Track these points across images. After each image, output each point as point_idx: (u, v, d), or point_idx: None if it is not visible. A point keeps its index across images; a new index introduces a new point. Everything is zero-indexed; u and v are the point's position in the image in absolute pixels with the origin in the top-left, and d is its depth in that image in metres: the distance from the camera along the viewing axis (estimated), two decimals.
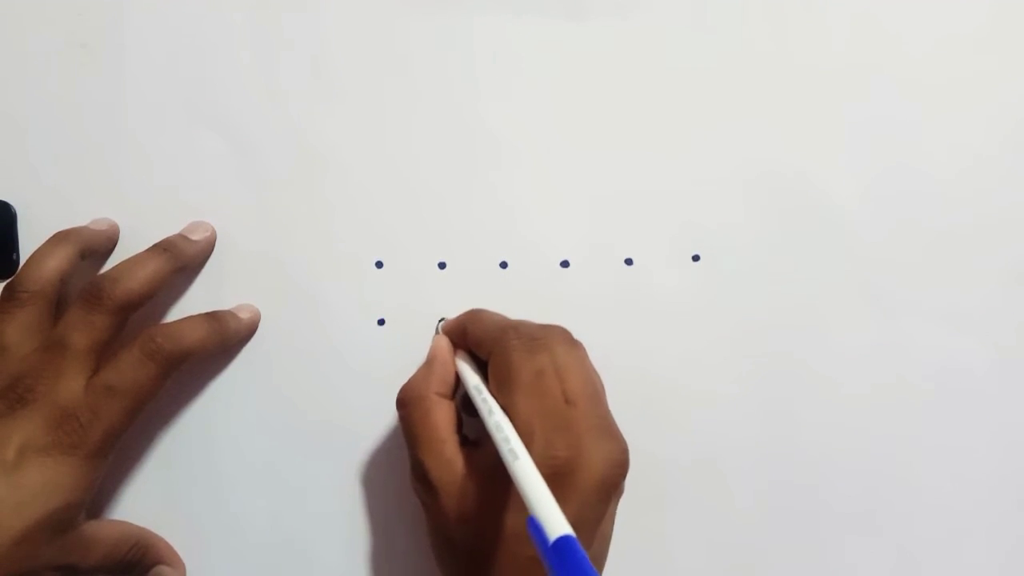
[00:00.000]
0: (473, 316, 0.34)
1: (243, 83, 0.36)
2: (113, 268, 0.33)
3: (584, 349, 0.32)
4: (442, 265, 0.36)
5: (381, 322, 0.36)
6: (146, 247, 0.34)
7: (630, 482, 0.38)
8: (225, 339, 0.35)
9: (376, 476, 0.37)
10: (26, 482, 0.30)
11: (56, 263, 0.33)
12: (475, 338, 0.32)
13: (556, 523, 0.23)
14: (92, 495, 0.32)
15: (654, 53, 0.36)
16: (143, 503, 0.36)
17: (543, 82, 0.36)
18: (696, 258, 0.36)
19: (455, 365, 0.33)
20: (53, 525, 0.30)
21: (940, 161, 0.36)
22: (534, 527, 0.23)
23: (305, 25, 0.36)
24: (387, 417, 0.36)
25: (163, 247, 0.34)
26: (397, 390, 0.36)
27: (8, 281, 0.33)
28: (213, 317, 0.35)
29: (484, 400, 0.30)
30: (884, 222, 0.36)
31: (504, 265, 0.36)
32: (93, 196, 0.36)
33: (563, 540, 0.23)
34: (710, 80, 0.36)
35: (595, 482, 0.28)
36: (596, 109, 0.36)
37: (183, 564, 0.36)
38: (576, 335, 0.36)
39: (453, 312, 0.36)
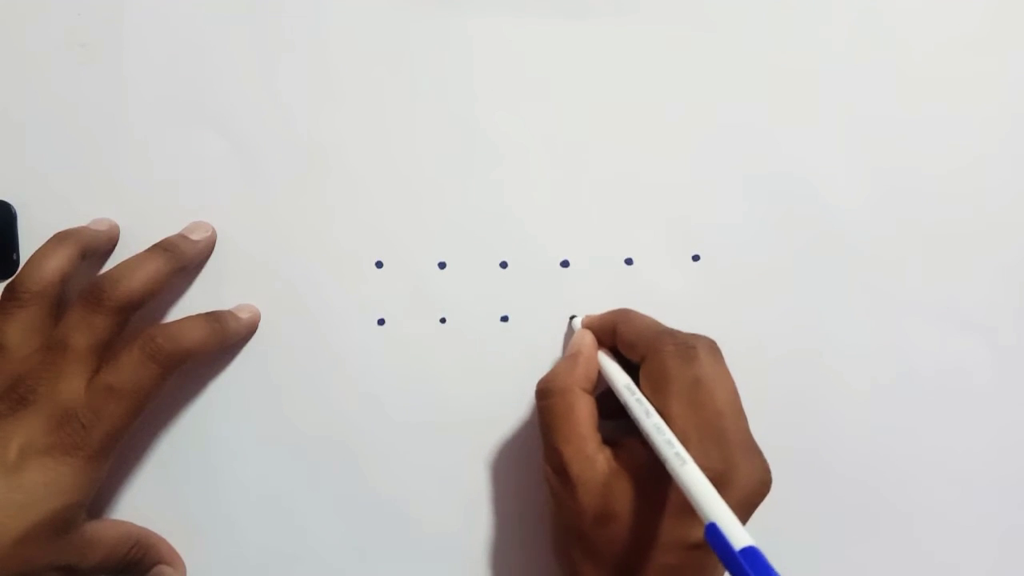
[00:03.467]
0: (625, 316, 0.34)
1: (243, 83, 0.36)
2: (113, 268, 0.33)
3: (726, 363, 0.32)
4: (442, 265, 0.36)
5: (381, 322, 0.36)
6: (146, 247, 0.34)
7: None
8: (225, 339, 0.35)
9: (375, 474, 0.37)
10: (27, 483, 0.30)
11: (57, 263, 0.33)
12: (627, 339, 0.32)
13: (740, 533, 0.23)
14: (93, 495, 0.32)
15: (654, 53, 0.36)
16: (143, 503, 0.36)
17: (543, 82, 0.36)
18: (696, 258, 0.36)
19: (598, 362, 0.33)
20: (54, 526, 0.30)
21: (940, 160, 0.36)
22: (715, 534, 0.23)
23: (305, 25, 0.36)
24: (386, 416, 0.36)
25: (163, 247, 0.34)
26: (396, 390, 0.36)
27: (9, 281, 0.33)
28: (213, 317, 0.35)
29: (639, 401, 0.30)
30: (884, 221, 0.36)
31: (504, 265, 0.36)
32: (93, 196, 0.36)
33: (750, 551, 0.23)
34: (710, 79, 0.36)
35: (743, 499, 0.28)
36: (596, 109, 0.36)
37: (183, 564, 0.36)
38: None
39: (454, 313, 0.36)
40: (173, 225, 0.36)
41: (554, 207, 0.36)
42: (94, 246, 0.35)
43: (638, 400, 0.30)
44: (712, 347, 0.31)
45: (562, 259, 0.36)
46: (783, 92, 0.36)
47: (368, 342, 0.36)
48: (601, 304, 0.36)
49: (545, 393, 0.32)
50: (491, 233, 0.36)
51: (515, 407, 0.36)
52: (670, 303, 0.36)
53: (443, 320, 0.36)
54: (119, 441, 0.32)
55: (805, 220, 0.36)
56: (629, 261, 0.36)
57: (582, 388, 0.32)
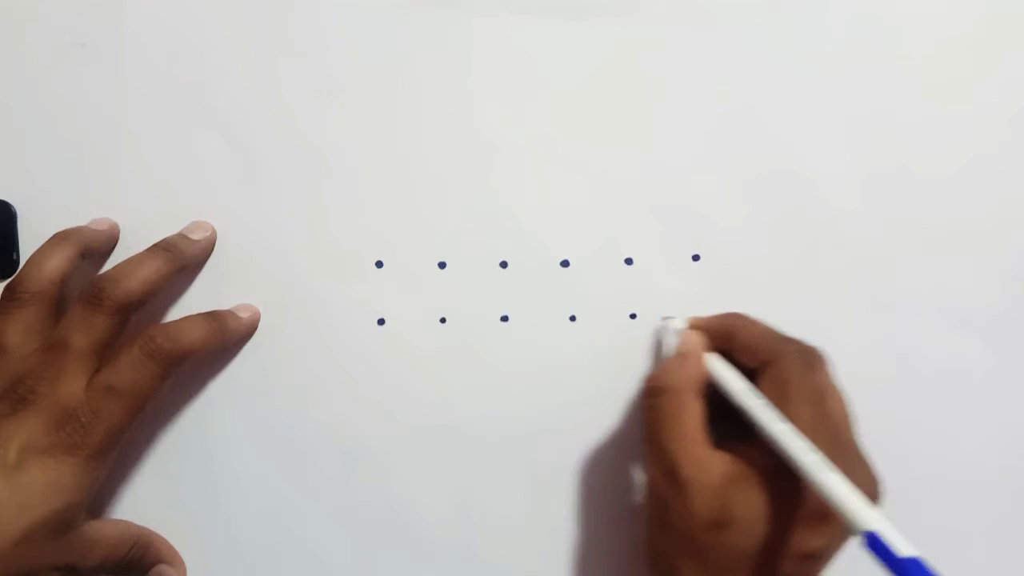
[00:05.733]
0: (742, 320, 0.33)
1: (243, 83, 0.36)
2: (113, 268, 0.33)
3: None
4: (442, 265, 0.36)
5: (381, 322, 0.36)
6: (146, 247, 0.34)
7: (626, 485, 0.38)
8: (225, 339, 0.35)
9: (375, 474, 0.37)
10: (28, 483, 0.30)
11: (57, 263, 0.33)
12: (746, 343, 0.32)
13: (903, 542, 0.24)
14: (93, 495, 0.32)
15: (654, 53, 0.36)
16: (143, 503, 0.36)
17: (543, 81, 0.36)
18: (696, 258, 0.36)
19: (708, 364, 0.33)
20: (54, 525, 0.30)
21: (940, 160, 0.36)
22: (877, 543, 0.24)
23: (305, 25, 0.36)
24: (386, 416, 0.36)
25: (163, 247, 0.34)
26: (396, 390, 0.36)
27: (9, 281, 0.33)
28: (213, 317, 0.35)
29: (763, 406, 0.29)
30: (884, 221, 0.36)
31: (504, 265, 0.36)
32: (93, 196, 0.36)
33: (915, 562, 0.23)
34: (710, 79, 0.36)
35: None
36: (596, 109, 0.36)
37: (183, 563, 0.36)
38: (576, 335, 0.36)
39: (454, 313, 0.36)
40: (173, 225, 0.36)
41: (554, 207, 0.36)
42: (94, 246, 0.35)
43: (762, 405, 0.29)
44: (825, 358, 0.31)
45: (562, 259, 0.36)
46: (783, 92, 0.36)
47: (368, 342, 0.36)
48: (600, 304, 0.36)
49: (655, 391, 0.31)
50: (491, 233, 0.36)
51: (515, 407, 0.36)
52: (670, 303, 0.36)
53: (443, 320, 0.36)
54: (119, 441, 0.32)
55: (805, 220, 0.36)
56: (629, 261, 0.36)
57: (693, 389, 0.31)
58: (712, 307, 0.36)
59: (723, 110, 0.36)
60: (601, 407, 0.36)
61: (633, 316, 0.36)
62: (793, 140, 0.36)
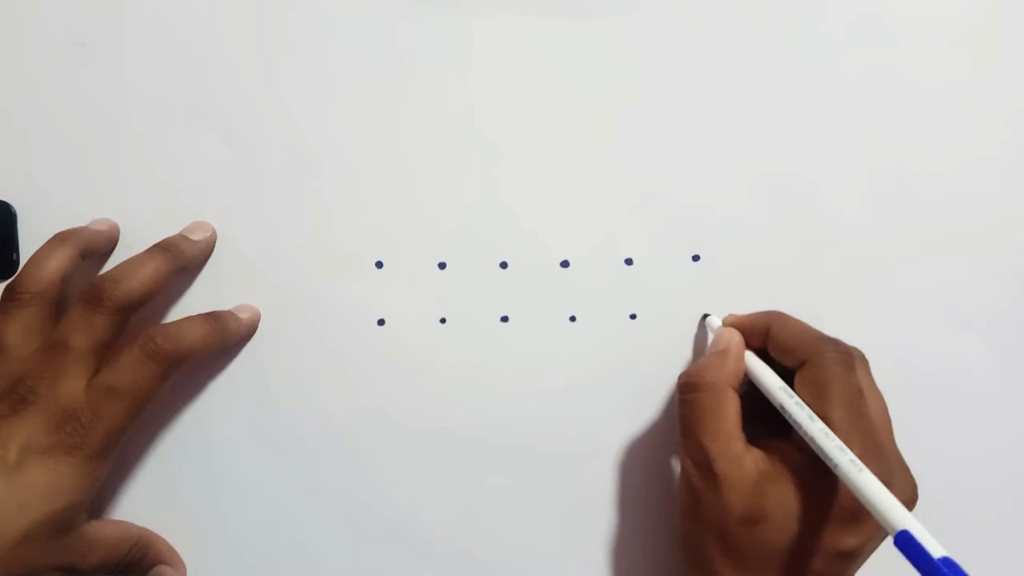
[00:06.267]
0: (780, 319, 0.33)
1: (243, 83, 0.36)
2: (113, 269, 0.33)
3: None
4: (442, 265, 0.36)
5: (381, 322, 0.36)
6: (146, 247, 0.34)
7: (626, 485, 0.38)
8: (225, 339, 0.35)
9: (375, 475, 0.37)
10: (28, 483, 0.30)
11: (57, 264, 0.33)
12: (783, 342, 0.32)
13: (934, 542, 0.24)
14: (93, 495, 0.32)
15: (654, 53, 0.36)
16: (143, 503, 0.36)
17: (543, 82, 0.36)
18: (696, 258, 0.36)
19: (745, 361, 0.33)
20: (54, 526, 0.30)
21: (940, 160, 0.36)
22: (909, 542, 0.24)
23: (305, 25, 0.36)
24: (385, 416, 0.36)
25: (163, 247, 0.34)
26: (396, 390, 0.36)
27: (9, 282, 0.33)
28: (213, 317, 0.35)
29: (799, 404, 0.29)
30: (884, 222, 0.36)
31: (504, 265, 0.36)
32: (93, 196, 0.36)
33: (949, 561, 0.23)
34: (710, 80, 0.36)
35: None
36: (596, 109, 0.36)
37: (183, 564, 0.36)
38: (576, 335, 0.36)
39: (454, 313, 0.36)
40: (173, 225, 0.36)
41: (554, 207, 0.36)
42: (94, 246, 0.35)
43: (798, 404, 0.29)
44: (864, 359, 0.31)
45: (562, 259, 0.36)
46: (783, 92, 0.36)
47: (368, 342, 0.36)
48: (600, 304, 0.36)
49: (692, 387, 0.32)
50: (491, 233, 0.36)
51: (515, 407, 0.36)
52: (670, 303, 0.36)
53: (443, 320, 0.36)
54: (119, 441, 0.32)
55: (805, 220, 0.36)
56: (629, 261, 0.36)
57: (731, 386, 0.32)
58: (712, 308, 0.36)
59: (723, 110, 0.36)
60: (601, 407, 0.36)
61: (633, 316, 0.36)
62: (793, 140, 0.36)
